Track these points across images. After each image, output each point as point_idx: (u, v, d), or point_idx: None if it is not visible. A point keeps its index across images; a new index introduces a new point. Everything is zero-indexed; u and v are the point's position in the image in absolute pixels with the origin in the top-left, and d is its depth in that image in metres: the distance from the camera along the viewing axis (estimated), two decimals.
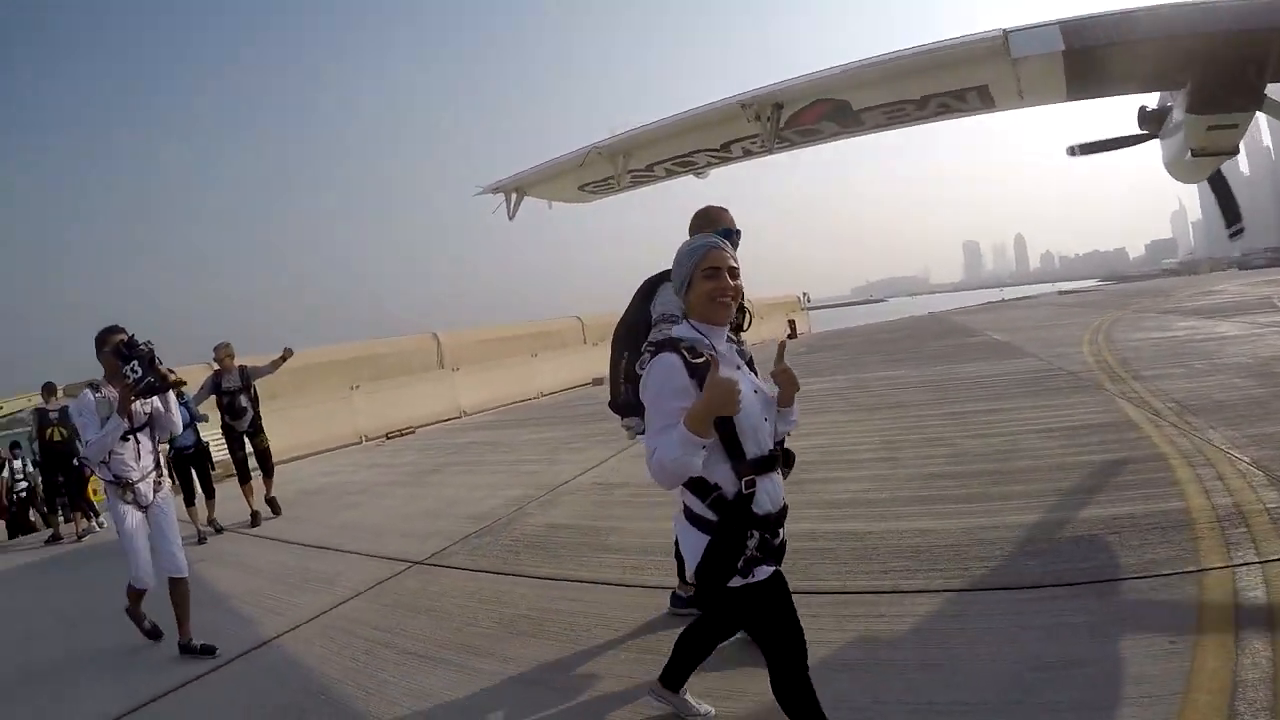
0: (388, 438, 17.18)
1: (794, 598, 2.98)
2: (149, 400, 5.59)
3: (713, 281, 2.91)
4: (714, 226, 4.30)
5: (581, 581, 6.05)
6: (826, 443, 9.64)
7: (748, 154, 8.82)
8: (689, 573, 2.99)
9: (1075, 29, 6.06)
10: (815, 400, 13.55)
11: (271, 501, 10.37)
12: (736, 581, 2.85)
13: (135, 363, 5.35)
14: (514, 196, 9.06)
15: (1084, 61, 6.57)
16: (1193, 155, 7.85)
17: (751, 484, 2.81)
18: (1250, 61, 6.29)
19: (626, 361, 4.49)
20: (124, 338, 5.40)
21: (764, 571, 2.88)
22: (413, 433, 17.60)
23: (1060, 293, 52.17)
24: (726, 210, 4.50)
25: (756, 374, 3.07)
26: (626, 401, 4.51)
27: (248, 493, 10.19)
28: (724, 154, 8.75)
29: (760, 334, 35.76)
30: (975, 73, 6.68)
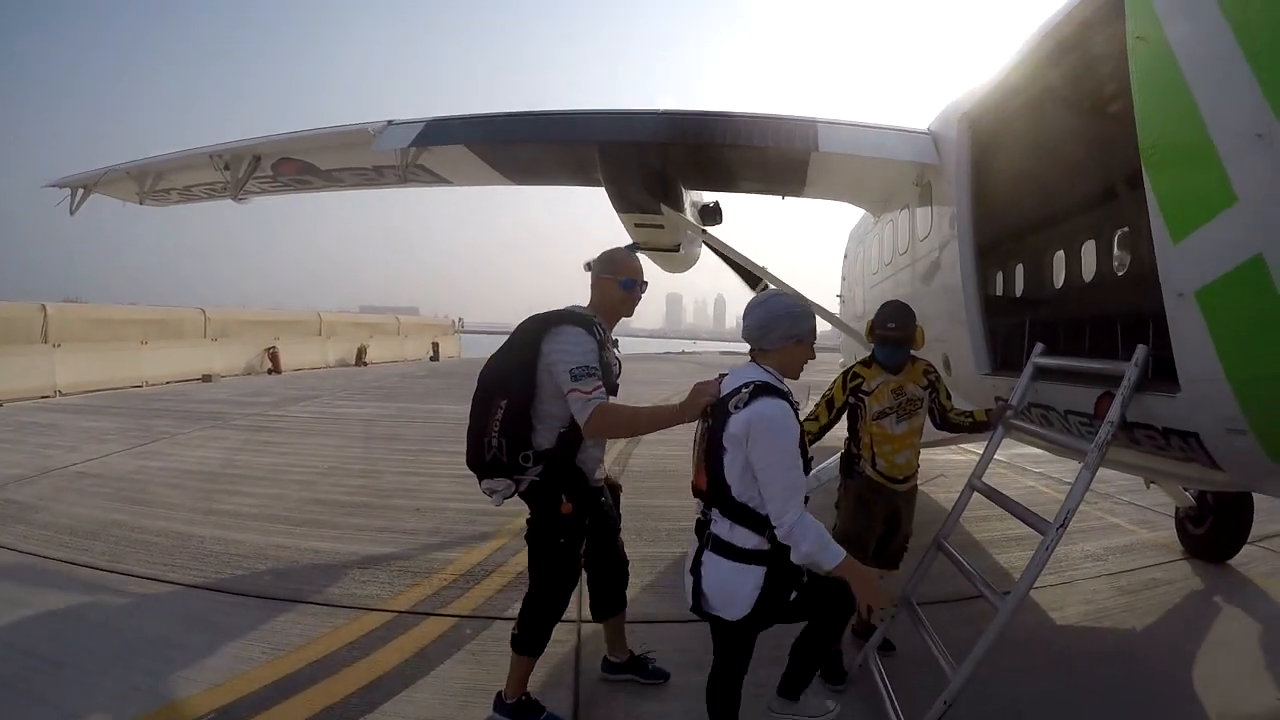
0: None
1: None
2: None
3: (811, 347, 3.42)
4: (628, 273, 3.95)
5: None
6: (277, 462, 10.68)
7: (266, 192, 9.02)
8: (739, 610, 3.14)
9: (433, 128, 6.67)
10: (331, 422, 14.86)
11: None
12: (794, 594, 3.20)
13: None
14: (79, 193, 8.89)
15: (496, 154, 7.26)
16: (635, 249, 8.83)
17: None
18: (644, 168, 7.01)
19: (505, 411, 3.57)
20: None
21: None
22: None
23: (721, 353, 54.74)
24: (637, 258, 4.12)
25: None
26: (496, 460, 3.61)
27: None
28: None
29: (404, 353, 35.37)
30: (381, 154, 7.05)
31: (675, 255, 9.02)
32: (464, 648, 4.82)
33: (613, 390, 3.68)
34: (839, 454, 6.86)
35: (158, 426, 13.51)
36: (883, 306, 4.78)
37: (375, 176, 8.07)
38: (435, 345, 37.51)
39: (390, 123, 6.84)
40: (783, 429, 3.03)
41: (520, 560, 6.30)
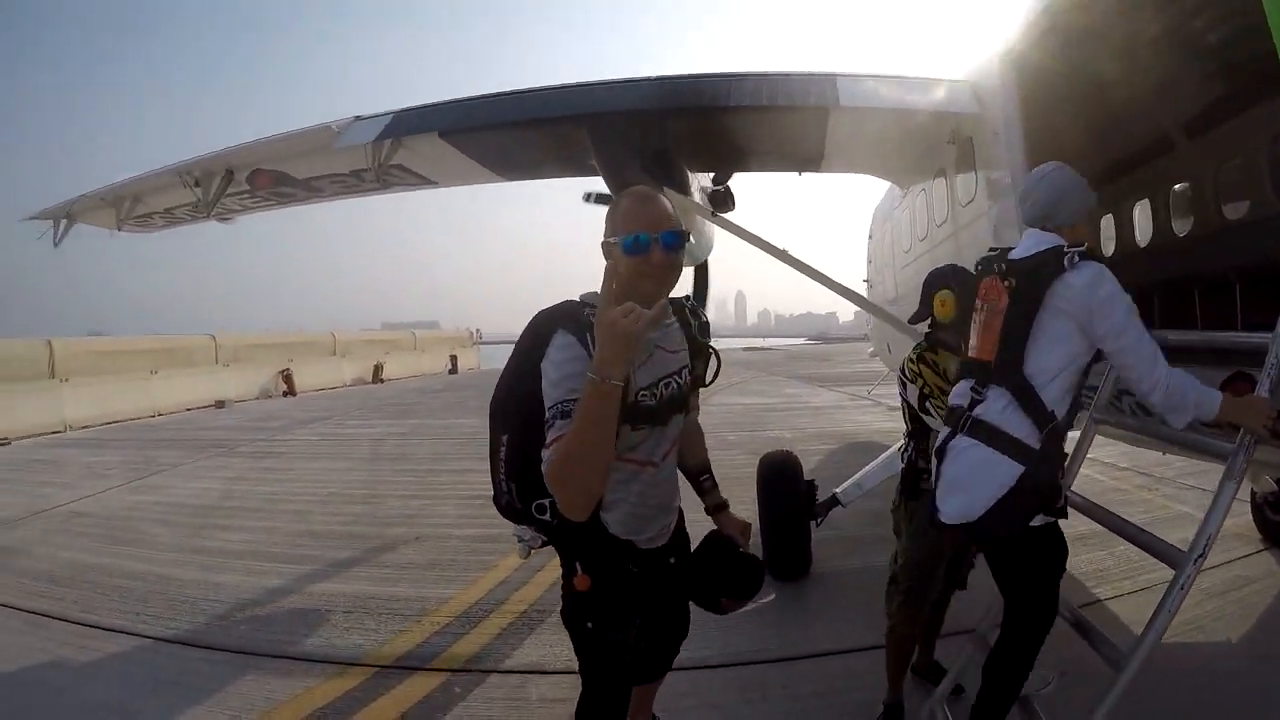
0: None
1: None
2: None
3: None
4: (632, 226, 2.45)
5: None
6: (276, 491, 10.12)
7: (248, 209, 8.51)
8: (964, 509, 2.81)
9: (401, 119, 6.15)
10: (338, 444, 14.38)
11: None
12: (1039, 520, 2.82)
13: None
14: (63, 223, 8.41)
15: (476, 144, 6.63)
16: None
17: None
18: (641, 146, 6.32)
19: (508, 450, 2.59)
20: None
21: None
22: (7, 444, 16.20)
23: (744, 349, 54.08)
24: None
25: None
26: (510, 507, 2.67)
27: None
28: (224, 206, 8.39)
29: (421, 367, 35.22)
30: (352, 155, 6.56)
31: (685, 247, 8.23)
32: (450, 711, 4.12)
33: (656, 418, 2.45)
34: (884, 458, 6.11)
35: (161, 458, 13.08)
36: (954, 268, 3.92)
37: (355, 182, 7.48)
38: (453, 358, 37.30)
39: (357, 118, 6.33)
40: (1126, 296, 2.78)
41: (525, 595, 5.74)
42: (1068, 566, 4.28)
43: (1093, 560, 5.94)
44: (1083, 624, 3.31)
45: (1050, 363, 2.80)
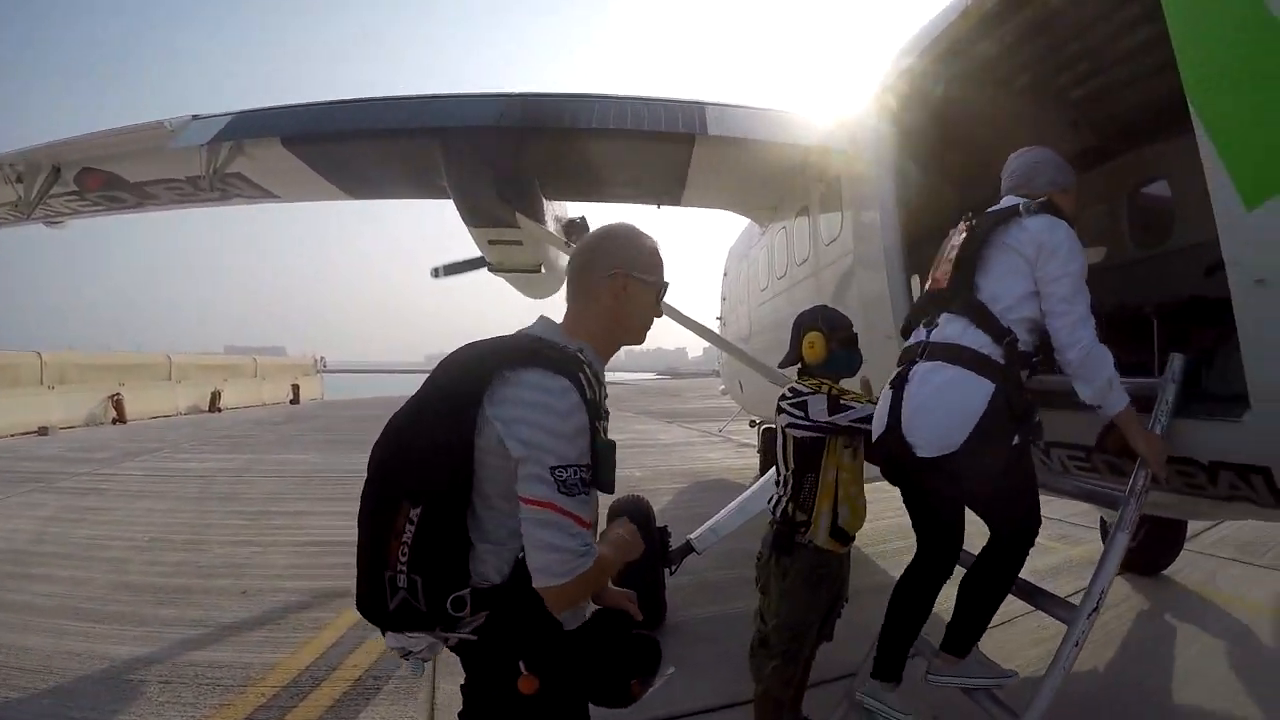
0: None
1: None
2: None
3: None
4: (662, 270, 2.21)
5: None
6: (93, 534, 9.18)
7: (77, 212, 7.85)
8: (953, 436, 2.74)
9: (241, 121, 5.77)
10: (166, 481, 13.23)
11: None
12: (1016, 439, 2.82)
13: None
14: None
15: (321, 155, 6.24)
16: (491, 270, 7.88)
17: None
18: (494, 168, 6.05)
19: (419, 529, 1.81)
20: None
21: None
22: None
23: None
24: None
25: None
26: (406, 608, 1.83)
27: None
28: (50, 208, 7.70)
29: (262, 396, 34.24)
30: (188, 159, 6.08)
31: (537, 277, 8.22)
32: None
33: (607, 487, 1.94)
34: (739, 502, 5.88)
35: None
36: (822, 309, 3.90)
37: (191, 190, 6.98)
38: (295, 387, 36.40)
39: (194, 117, 5.90)
40: (1079, 247, 2.90)
41: (358, 661, 5.22)
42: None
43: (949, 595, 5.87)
44: (985, 701, 3.23)
45: (1003, 291, 2.90)
